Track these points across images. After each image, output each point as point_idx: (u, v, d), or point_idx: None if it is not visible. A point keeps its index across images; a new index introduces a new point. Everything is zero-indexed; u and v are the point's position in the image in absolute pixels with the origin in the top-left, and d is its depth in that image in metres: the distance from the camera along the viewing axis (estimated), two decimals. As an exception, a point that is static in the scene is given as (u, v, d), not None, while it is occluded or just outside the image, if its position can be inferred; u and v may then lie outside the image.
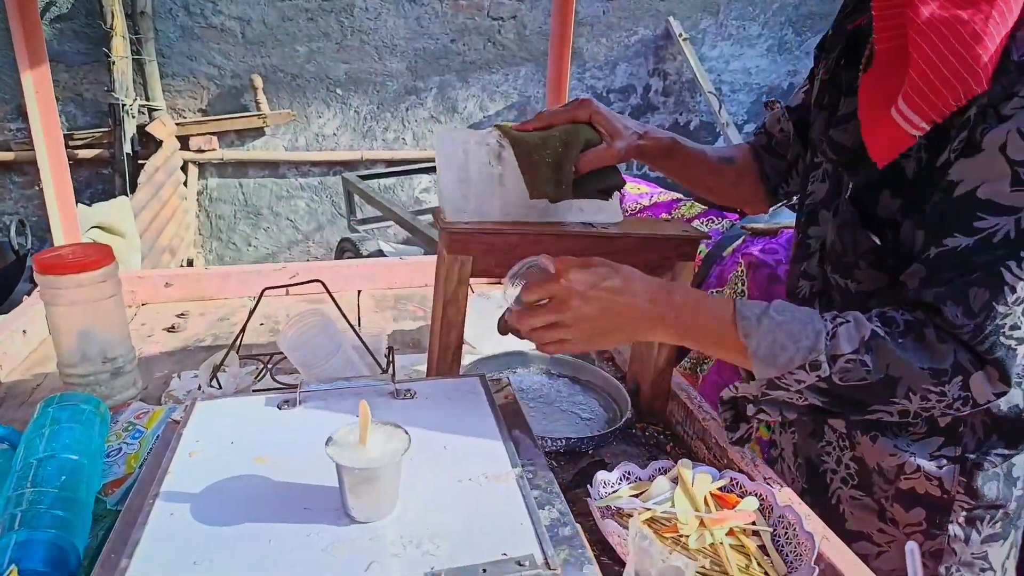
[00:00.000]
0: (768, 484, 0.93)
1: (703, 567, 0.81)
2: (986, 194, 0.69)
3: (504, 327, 1.11)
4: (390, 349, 1.25)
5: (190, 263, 3.84)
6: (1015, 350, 0.71)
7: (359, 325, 1.59)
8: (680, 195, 2.35)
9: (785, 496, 0.91)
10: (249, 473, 0.73)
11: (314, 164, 4.35)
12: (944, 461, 0.90)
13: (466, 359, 1.41)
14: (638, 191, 2.34)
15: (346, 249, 3.41)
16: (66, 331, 1.10)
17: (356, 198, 3.64)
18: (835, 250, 0.89)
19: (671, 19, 4.55)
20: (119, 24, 3.69)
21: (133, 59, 3.83)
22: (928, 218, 0.75)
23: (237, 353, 1.14)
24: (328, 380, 0.93)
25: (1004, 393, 0.72)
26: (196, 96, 4.11)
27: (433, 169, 4.28)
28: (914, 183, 0.77)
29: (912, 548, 0.44)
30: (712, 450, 1.06)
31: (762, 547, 0.86)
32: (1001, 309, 0.70)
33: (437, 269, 1.02)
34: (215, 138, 4.12)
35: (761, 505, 0.90)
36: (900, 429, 0.89)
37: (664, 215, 1.99)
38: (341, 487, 0.65)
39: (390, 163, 4.34)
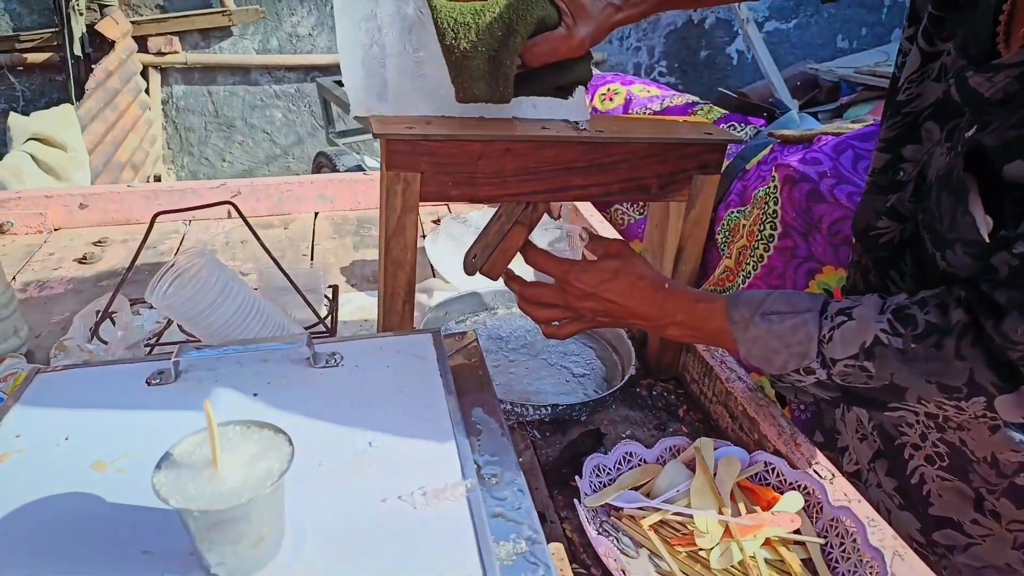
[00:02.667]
0: (816, 474, 0.70)
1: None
2: None
3: (471, 265, 0.87)
4: (333, 290, 1.01)
5: (157, 180, 3.54)
6: None
7: (311, 256, 1.34)
8: (696, 98, 2.02)
9: (840, 490, 0.69)
10: (75, 491, 0.50)
11: (289, 69, 3.96)
12: None
13: (437, 296, 1.17)
14: (647, 94, 2.02)
15: (323, 164, 3.10)
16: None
17: (334, 107, 3.30)
18: (937, 205, 0.64)
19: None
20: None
21: (78, -53, 3.39)
22: None
23: (137, 300, 0.90)
24: (238, 342, 0.69)
25: None
26: (153, -9, 3.68)
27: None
28: None
29: None
30: (738, 419, 0.83)
31: (807, 560, 0.64)
32: None
33: (380, 192, 0.76)
34: (176, 39, 3.72)
35: (807, 503, 0.68)
36: None
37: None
38: (189, 535, 0.42)
39: (373, 68, 3.95)
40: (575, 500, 0.69)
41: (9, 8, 3.54)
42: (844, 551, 0.63)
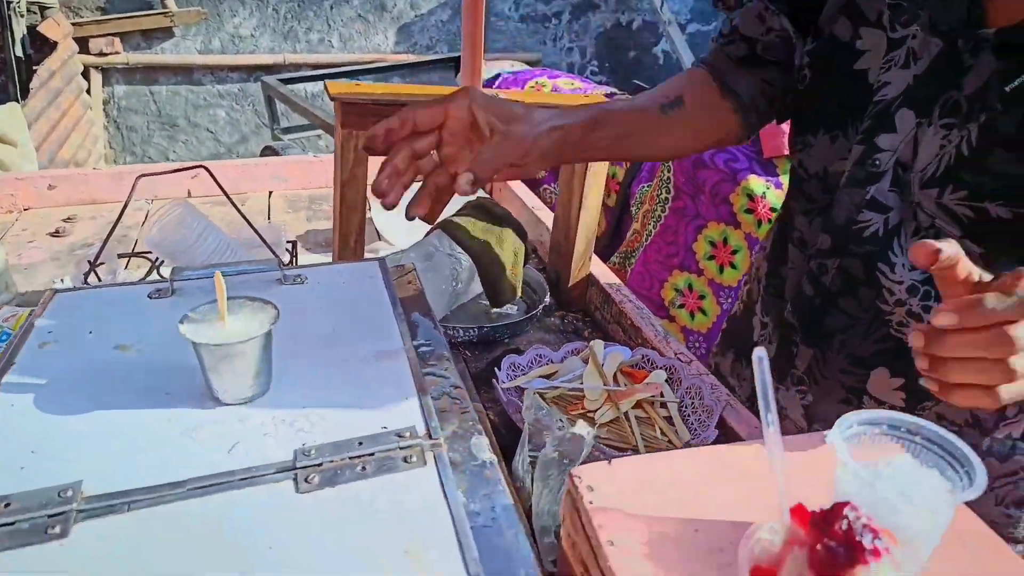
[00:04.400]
0: (679, 358, 0.91)
1: (606, 438, 0.79)
2: None
3: (412, 211, 1.04)
4: (293, 244, 1.17)
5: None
6: None
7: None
8: (615, 89, 2.26)
9: (696, 370, 0.90)
10: (106, 362, 0.66)
11: (232, 69, 4.05)
12: None
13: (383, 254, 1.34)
14: (571, 86, 2.24)
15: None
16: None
17: (279, 105, 3.41)
18: (944, 172, 0.64)
19: (610, -92, 4.29)
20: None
21: (13, -52, 3.41)
22: None
23: (126, 254, 1.05)
24: (220, 265, 0.85)
25: None
26: (93, -7, 3.72)
27: (361, 72, 4.04)
28: None
29: (761, 355, 0.38)
30: (628, 331, 1.03)
31: (668, 418, 0.85)
32: None
33: (335, 147, 0.93)
34: (118, 40, 3.77)
35: (670, 378, 0.89)
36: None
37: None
38: (202, 368, 0.59)
39: (316, 67, 4.07)
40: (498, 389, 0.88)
41: (-58, 9, 3.53)
42: (693, 407, 0.84)
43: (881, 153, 0.69)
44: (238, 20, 3.97)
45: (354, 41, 4.22)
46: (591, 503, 0.48)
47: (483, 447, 0.62)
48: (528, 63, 3.51)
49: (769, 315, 0.88)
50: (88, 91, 3.72)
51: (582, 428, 0.60)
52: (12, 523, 0.48)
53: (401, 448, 0.56)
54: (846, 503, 0.29)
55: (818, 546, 0.28)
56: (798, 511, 0.31)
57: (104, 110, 3.92)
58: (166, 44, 3.89)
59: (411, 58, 4.21)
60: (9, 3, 3.38)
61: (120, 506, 0.50)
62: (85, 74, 3.73)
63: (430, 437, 0.58)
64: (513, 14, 4.53)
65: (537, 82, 2.28)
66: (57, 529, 0.47)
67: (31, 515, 0.48)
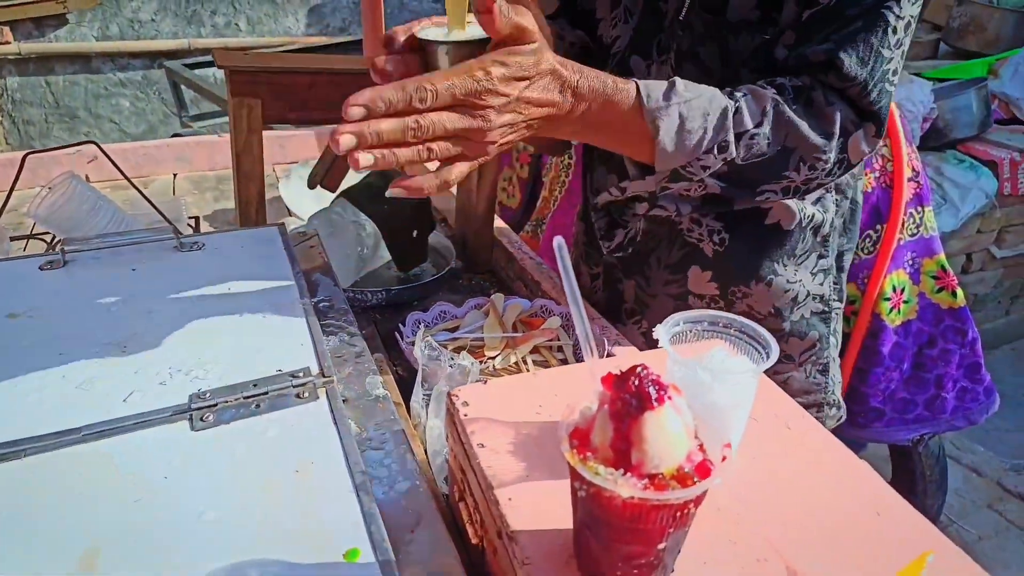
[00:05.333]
0: (573, 306, 0.98)
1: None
2: None
3: (313, 180, 1.07)
4: (196, 220, 1.17)
5: (-3, 175, 3.38)
6: (889, 99, 0.72)
7: (174, 207, 1.48)
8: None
9: (588, 314, 0.96)
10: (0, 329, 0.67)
11: (133, 56, 3.87)
12: (821, 276, 0.93)
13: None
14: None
15: (180, 147, 3.12)
16: None
17: (186, 91, 3.31)
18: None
19: None
20: None
21: None
22: None
23: (19, 236, 1.03)
24: (113, 234, 0.85)
25: (876, 147, 0.74)
26: (-27, -22, 3.48)
27: (273, 57, 3.94)
28: None
29: (560, 243, 0.44)
30: (529, 286, 1.09)
31: (564, 360, 0.91)
32: (886, 53, 0.69)
33: (229, 117, 0.95)
34: (7, 29, 3.55)
35: (565, 324, 0.95)
36: (790, 259, 0.90)
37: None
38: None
39: (224, 53, 3.95)
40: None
41: None
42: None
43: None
44: (136, 4, 3.80)
45: (263, 24, 4.11)
46: (465, 416, 0.53)
47: (377, 384, 0.66)
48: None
49: (593, 263, 1.02)
50: (-24, 83, 3.51)
51: (466, 359, 0.65)
52: (-98, 474, 0.49)
53: (294, 386, 0.60)
54: (640, 364, 0.35)
55: (616, 400, 0.34)
56: (607, 378, 0.36)
57: (-4, 103, 3.70)
58: (60, 32, 3.69)
59: (323, 40, 4.13)
60: None
61: (15, 454, 0.52)
62: (-29, 66, 3.51)
63: (323, 375, 0.62)
64: (426, -6, 4.51)
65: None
66: (-50, 476, 0.49)
67: (-78, 466, 0.50)
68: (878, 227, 1.32)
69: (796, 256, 0.91)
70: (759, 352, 0.46)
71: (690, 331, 0.49)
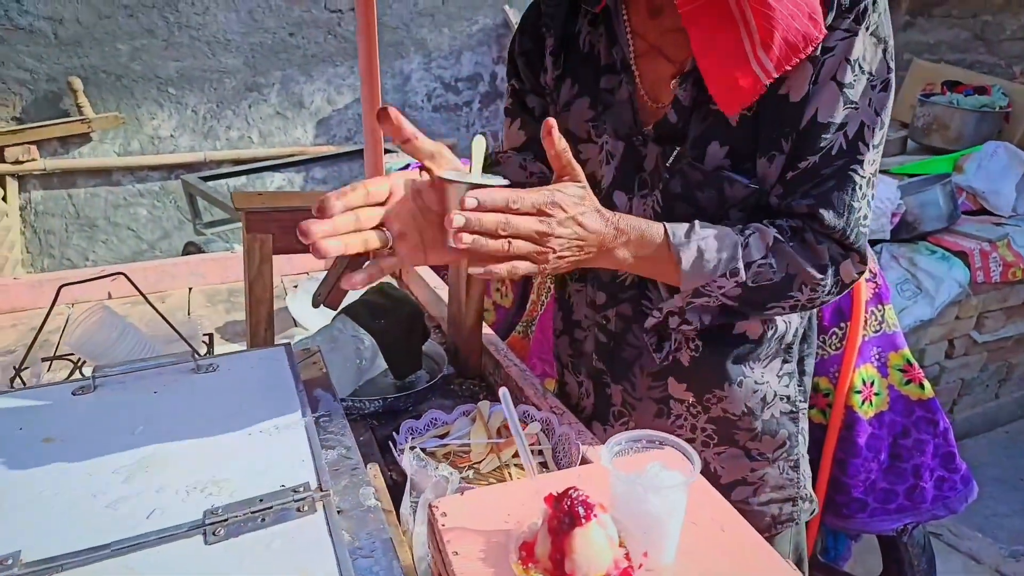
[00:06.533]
0: (553, 411, 1.06)
1: (489, 484, 0.92)
2: (824, 117, 0.83)
3: (316, 300, 1.18)
4: (209, 337, 1.28)
5: (17, 283, 3.53)
6: (865, 237, 0.87)
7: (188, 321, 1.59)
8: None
9: (567, 421, 1.05)
10: (35, 451, 0.75)
11: (152, 169, 4.13)
12: (787, 379, 1.03)
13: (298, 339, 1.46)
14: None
15: (191, 253, 3.29)
16: None
17: (200, 201, 3.51)
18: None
19: (507, 8, 4.71)
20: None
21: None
22: (794, 147, 0.85)
23: (49, 358, 1.13)
24: (137, 361, 0.95)
25: (863, 272, 0.88)
26: (7, 103, 3.77)
27: (283, 166, 4.20)
28: (738, 126, 0.86)
29: (504, 392, 0.55)
30: (513, 392, 1.18)
31: (544, 463, 0.99)
32: (856, 205, 0.84)
33: (243, 249, 1.07)
34: (34, 147, 3.81)
35: (545, 428, 1.03)
36: (756, 363, 1.00)
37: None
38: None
39: (237, 163, 4.21)
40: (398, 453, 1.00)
41: None
42: (564, 451, 0.99)
43: None
44: (157, 122, 4.09)
45: (274, 136, 4.39)
46: (443, 525, 0.61)
47: (369, 495, 0.74)
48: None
49: (581, 372, 1.12)
50: (3, 199, 3.73)
51: (445, 470, 0.74)
52: (-42, 590, 0.57)
53: (295, 500, 0.68)
54: (572, 487, 0.44)
55: (553, 518, 0.43)
56: (549, 498, 0.45)
57: (21, 216, 3.92)
58: (84, 148, 3.96)
59: (330, 149, 4.41)
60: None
61: (52, 569, 0.60)
62: (0, 182, 3.74)
63: (321, 490, 0.70)
64: (426, 104, 4.82)
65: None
66: (-1, 591, 0.57)
67: (-25, 582, 0.57)
68: (842, 324, 1.42)
69: (761, 360, 1.00)
70: (692, 464, 0.55)
71: (632, 448, 0.58)
